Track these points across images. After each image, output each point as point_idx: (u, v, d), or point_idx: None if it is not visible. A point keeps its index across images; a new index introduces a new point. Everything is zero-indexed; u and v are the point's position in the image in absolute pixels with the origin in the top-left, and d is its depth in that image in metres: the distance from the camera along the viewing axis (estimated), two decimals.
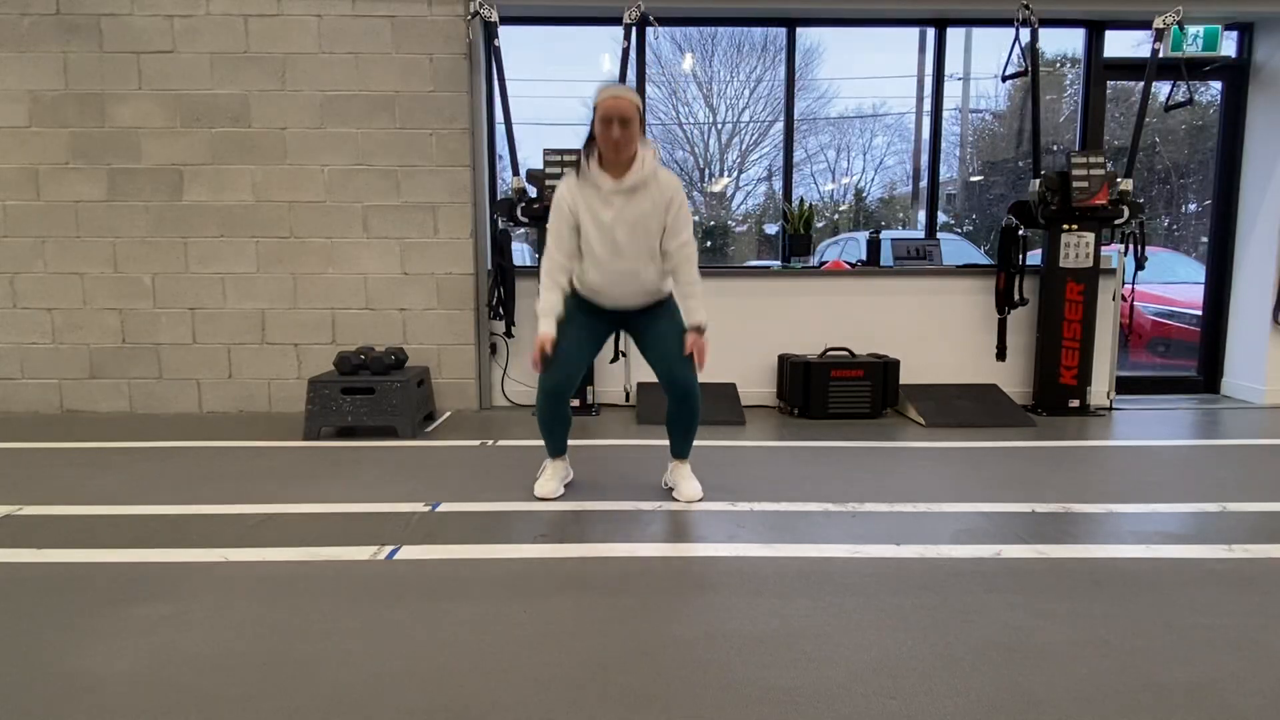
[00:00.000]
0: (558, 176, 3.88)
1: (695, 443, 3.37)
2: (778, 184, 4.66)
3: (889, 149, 6.50)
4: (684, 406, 2.57)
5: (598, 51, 5.05)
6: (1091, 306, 4.05)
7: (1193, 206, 6.40)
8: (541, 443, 3.41)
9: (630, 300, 2.54)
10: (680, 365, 2.51)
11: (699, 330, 2.49)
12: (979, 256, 5.66)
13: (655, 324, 2.56)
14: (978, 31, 4.77)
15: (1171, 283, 5.61)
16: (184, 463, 3.10)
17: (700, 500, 2.58)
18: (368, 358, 3.61)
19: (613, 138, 2.32)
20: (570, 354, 2.51)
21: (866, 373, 3.96)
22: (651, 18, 3.99)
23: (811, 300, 4.32)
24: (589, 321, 2.56)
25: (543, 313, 2.45)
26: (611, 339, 4.16)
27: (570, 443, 3.38)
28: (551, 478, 2.67)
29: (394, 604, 1.80)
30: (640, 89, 4.39)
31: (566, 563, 2.05)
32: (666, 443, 3.33)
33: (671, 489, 2.65)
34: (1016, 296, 4.18)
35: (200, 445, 3.41)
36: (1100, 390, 4.26)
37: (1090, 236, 3.99)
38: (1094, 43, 4.40)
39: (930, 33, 4.48)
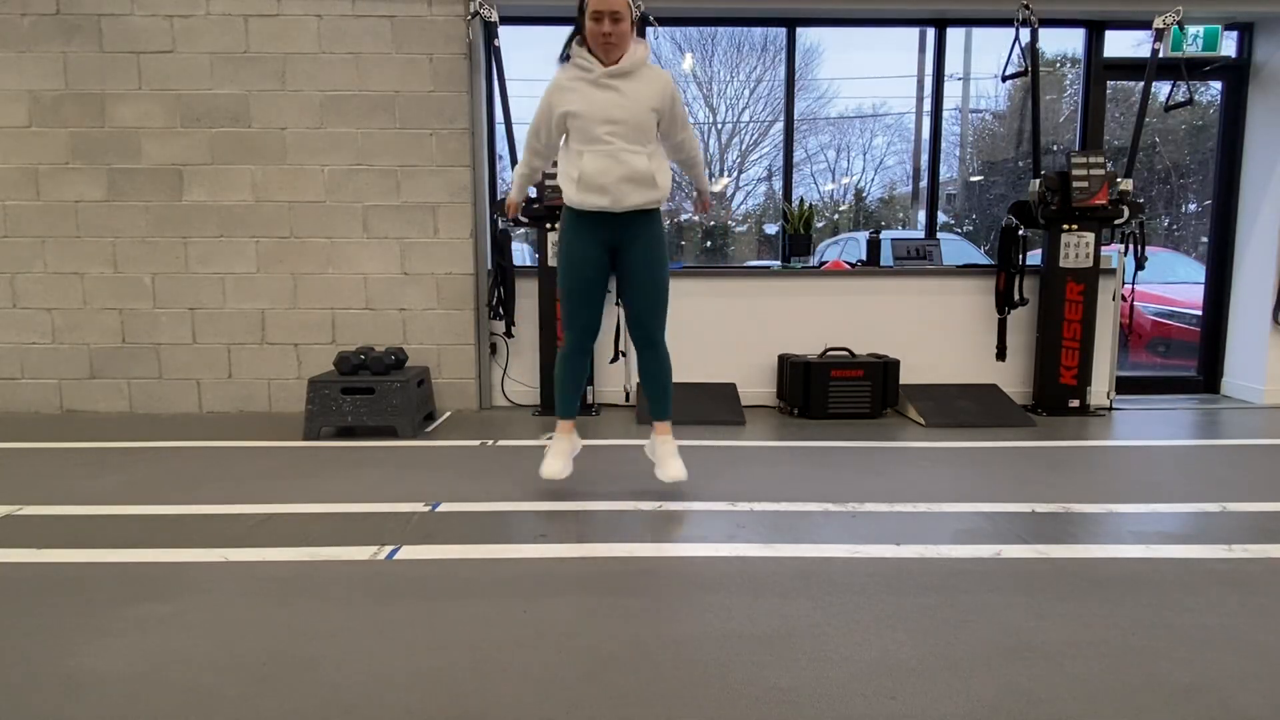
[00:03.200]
0: (558, 177, 3.87)
1: (696, 442, 3.37)
2: (778, 184, 4.66)
3: (889, 149, 6.50)
4: (654, 361, 2.59)
5: None
6: (1091, 306, 4.05)
7: (1193, 206, 6.40)
8: (541, 443, 3.41)
9: (626, 193, 2.41)
10: (651, 318, 2.55)
11: (707, 192, 2.78)
12: (979, 256, 5.66)
13: (643, 254, 2.51)
14: (978, 31, 4.77)
15: (1171, 283, 5.61)
16: (184, 463, 3.10)
17: (683, 480, 2.56)
18: (368, 358, 3.61)
19: (603, 32, 2.28)
20: (584, 298, 2.53)
21: (866, 373, 3.96)
22: (651, 18, 3.99)
23: (811, 300, 4.32)
24: (587, 254, 2.50)
25: (519, 178, 2.69)
26: (613, 341, 4.16)
27: None
28: (559, 454, 2.61)
29: (394, 604, 1.80)
30: None
31: (566, 563, 2.04)
32: None
33: (654, 463, 2.63)
34: (1016, 296, 4.18)
35: (200, 445, 3.41)
36: (1100, 390, 4.26)
37: (1090, 236, 3.99)
38: (1094, 43, 4.40)
39: (930, 33, 4.48)
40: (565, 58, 2.45)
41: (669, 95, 2.44)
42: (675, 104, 2.47)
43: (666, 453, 2.61)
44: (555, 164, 2.61)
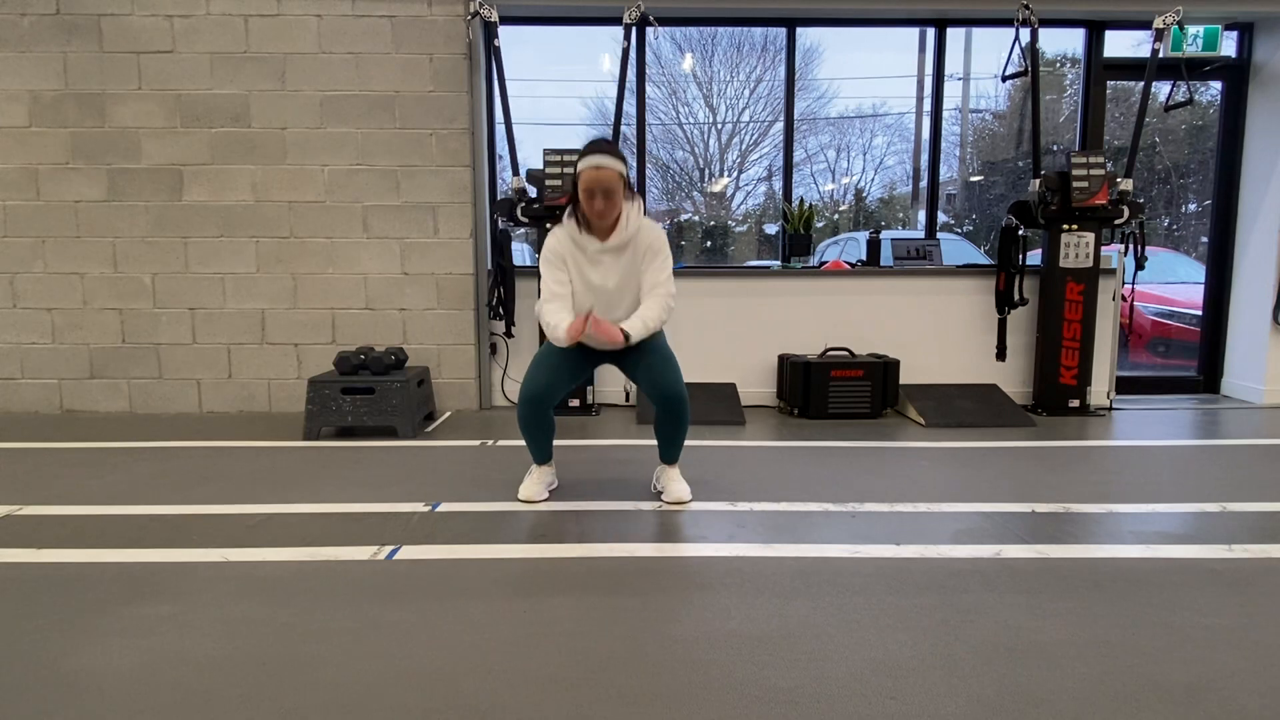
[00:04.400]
0: (558, 176, 3.88)
1: (696, 443, 3.37)
2: (778, 184, 4.66)
3: (889, 149, 6.50)
4: (672, 414, 2.51)
5: (598, 51, 5.05)
6: (1091, 306, 4.05)
7: (1193, 206, 6.40)
8: None
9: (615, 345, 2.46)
10: (668, 376, 2.47)
11: (624, 333, 2.33)
12: (979, 256, 5.66)
13: (641, 352, 2.53)
14: (978, 31, 4.77)
15: (1171, 283, 5.61)
16: (184, 463, 3.10)
17: (689, 501, 2.56)
18: (368, 358, 3.61)
19: (596, 209, 2.31)
20: (556, 367, 2.49)
21: (866, 373, 3.96)
22: (651, 18, 3.99)
23: (811, 300, 4.32)
24: (576, 351, 2.54)
25: (558, 325, 2.35)
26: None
27: (570, 443, 3.40)
28: (536, 481, 2.62)
29: (394, 604, 1.80)
30: (640, 89, 4.39)
31: (566, 563, 2.04)
32: None
33: (660, 492, 2.63)
34: (1016, 296, 4.18)
35: (200, 445, 3.41)
36: (1100, 390, 4.26)
37: (1090, 236, 3.99)
38: (1094, 43, 4.40)
39: (930, 33, 4.48)
40: (566, 210, 2.47)
41: (655, 251, 2.42)
42: (659, 255, 2.42)
43: (671, 477, 2.62)
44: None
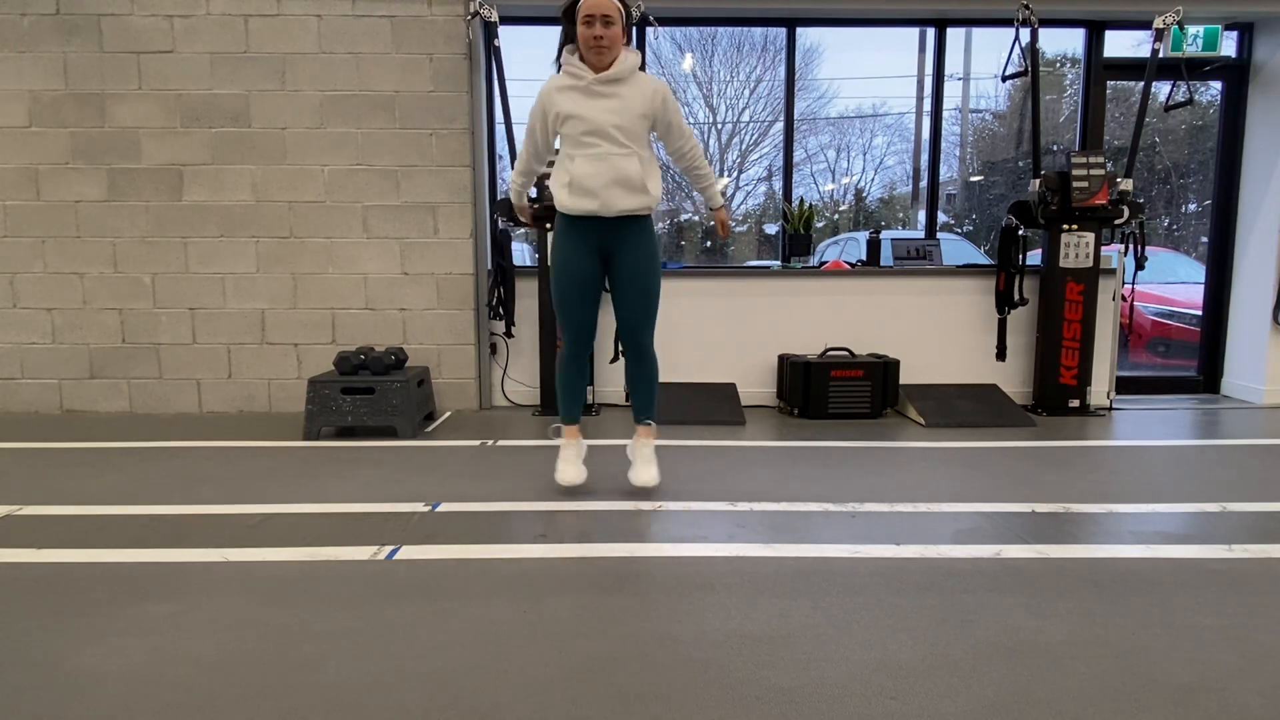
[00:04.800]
0: (551, 182, 3.87)
1: (696, 442, 3.37)
2: (778, 184, 4.66)
3: (889, 149, 6.50)
4: (641, 364, 2.62)
5: None
6: (1091, 306, 4.05)
7: (1193, 206, 6.41)
8: (541, 443, 3.41)
9: (617, 197, 2.41)
10: (641, 323, 2.57)
11: (721, 209, 2.71)
12: (979, 256, 5.66)
13: (633, 260, 2.52)
14: (978, 31, 4.77)
15: (1171, 283, 5.61)
16: (184, 463, 3.10)
17: (654, 486, 2.61)
18: (368, 358, 3.61)
19: (594, 35, 2.29)
20: (577, 303, 2.55)
21: (866, 373, 3.96)
22: (651, 18, 3.99)
23: (811, 300, 4.32)
24: (580, 260, 2.52)
25: (517, 184, 2.76)
26: (613, 341, 4.16)
27: None
28: (573, 459, 2.65)
29: (394, 604, 1.80)
30: None
31: (566, 563, 2.04)
32: (666, 444, 3.34)
33: (630, 464, 2.66)
34: (1016, 296, 4.18)
35: (200, 445, 3.41)
36: (1100, 390, 4.26)
37: (1090, 236, 3.99)
38: (1094, 43, 4.40)
39: (930, 33, 4.48)
40: (559, 63, 2.47)
41: (660, 100, 2.43)
42: (668, 110, 2.46)
43: (643, 457, 2.64)
44: (551, 161, 2.62)
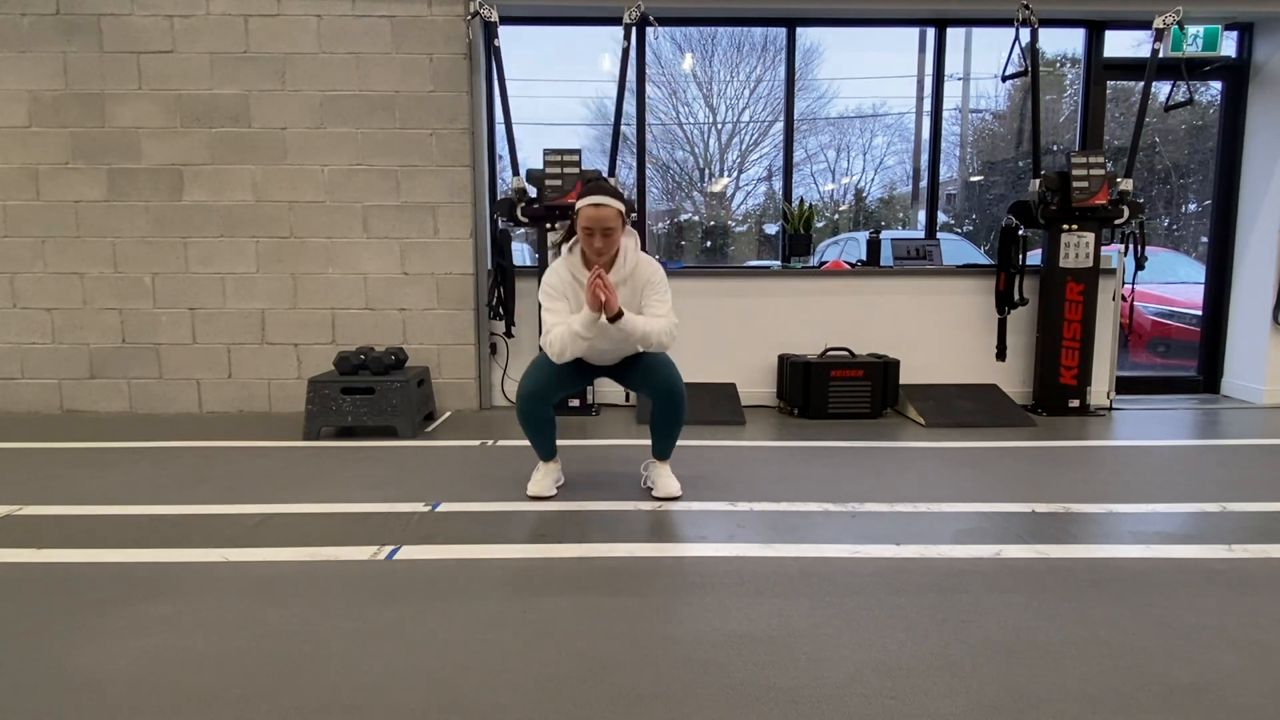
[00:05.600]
0: (558, 177, 3.88)
1: (696, 442, 3.37)
2: (778, 184, 4.66)
3: (889, 149, 6.50)
4: (670, 409, 2.56)
5: (598, 51, 5.05)
6: (1091, 306, 4.05)
7: (1193, 206, 6.41)
8: None
9: (614, 361, 2.61)
10: (666, 372, 2.52)
11: (618, 311, 2.34)
12: (979, 256, 5.66)
13: (640, 363, 2.58)
14: (978, 31, 4.77)
15: (1171, 283, 5.61)
16: (184, 463, 3.10)
17: (679, 496, 2.59)
18: (368, 358, 3.61)
19: (595, 247, 2.38)
20: (554, 370, 2.54)
21: (866, 373, 3.96)
22: (651, 18, 3.99)
23: (811, 300, 4.32)
24: (574, 361, 2.57)
25: (561, 327, 2.40)
26: None
27: (570, 443, 3.40)
28: (545, 477, 2.66)
29: (394, 604, 1.80)
30: (640, 89, 4.39)
31: (566, 563, 2.05)
32: None
33: (650, 487, 2.66)
34: (1016, 296, 4.18)
35: (200, 445, 3.41)
36: (1100, 390, 4.26)
37: (1090, 236, 3.99)
38: (1094, 43, 4.40)
39: (930, 33, 4.48)
40: (561, 242, 2.55)
41: (653, 285, 2.47)
42: (655, 286, 2.47)
43: (661, 474, 2.65)
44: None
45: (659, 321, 2.42)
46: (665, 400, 2.53)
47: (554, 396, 2.56)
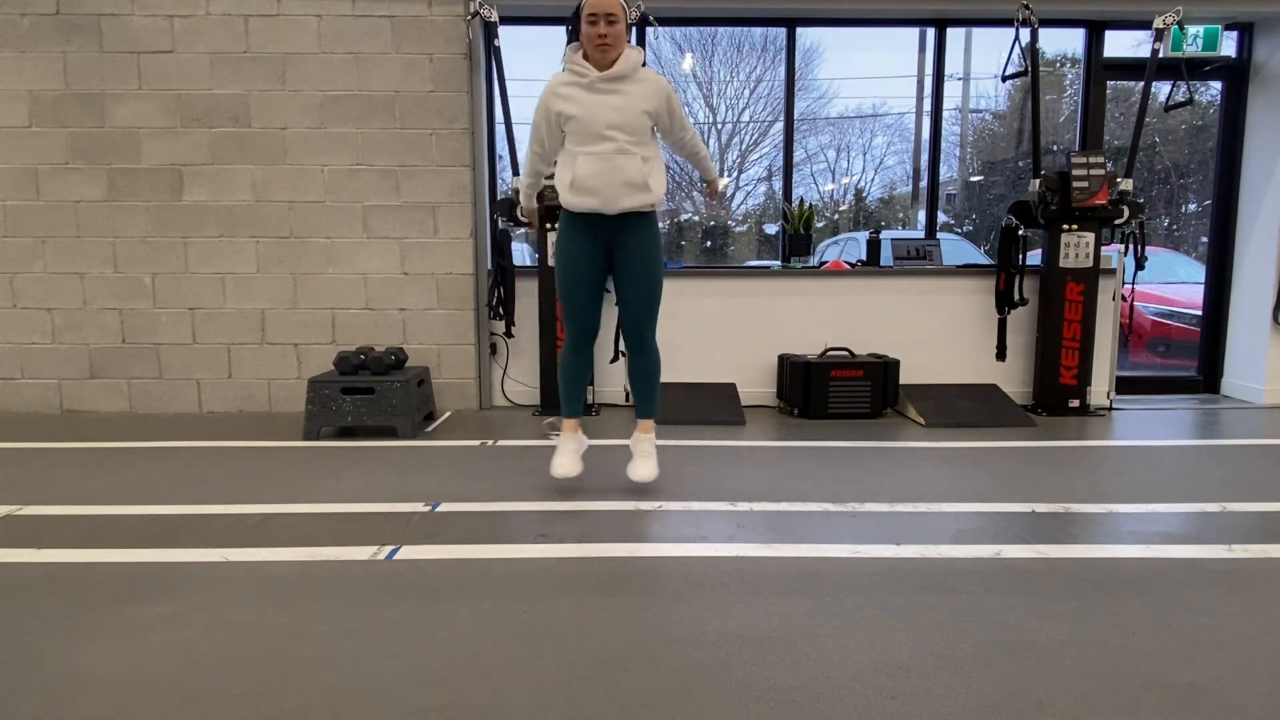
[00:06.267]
0: (555, 180, 3.87)
1: (696, 442, 3.37)
2: (778, 184, 4.66)
3: (889, 149, 6.50)
4: (643, 359, 2.64)
5: None
6: (1091, 306, 4.05)
7: (1193, 206, 6.41)
8: (541, 443, 3.41)
9: (619, 195, 2.43)
10: (644, 318, 2.59)
11: (717, 180, 2.84)
12: (979, 256, 5.66)
13: (636, 256, 2.54)
14: (978, 31, 4.77)
15: (1171, 283, 5.61)
16: (184, 463, 3.10)
17: (652, 480, 2.62)
18: (368, 358, 3.61)
19: (598, 33, 2.34)
20: (581, 298, 2.57)
21: (866, 373, 3.96)
22: (651, 18, 3.99)
23: (811, 300, 4.32)
24: (584, 255, 2.54)
25: (526, 185, 2.73)
26: (613, 341, 4.17)
27: None
28: (570, 452, 2.65)
29: (394, 604, 1.80)
30: None
31: (566, 563, 2.04)
32: (666, 444, 3.34)
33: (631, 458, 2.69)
34: (1016, 296, 4.18)
35: (200, 445, 3.41)
36: (1100, 390, 4.26)
37: (1090, 236, 3.99)
38: (1094, 43, 4.40)
39: (930, 33, 4.48)
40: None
41: (663, 97, 2.46)
42: (671, 105, 2.49)
43: (642, 452, 2.66)
44: (550, 167, 2.63)
45: (699, 143, 2.68)
46: (632, 343, 2.63)
47: (597, 321, 2.64)
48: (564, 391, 2.69)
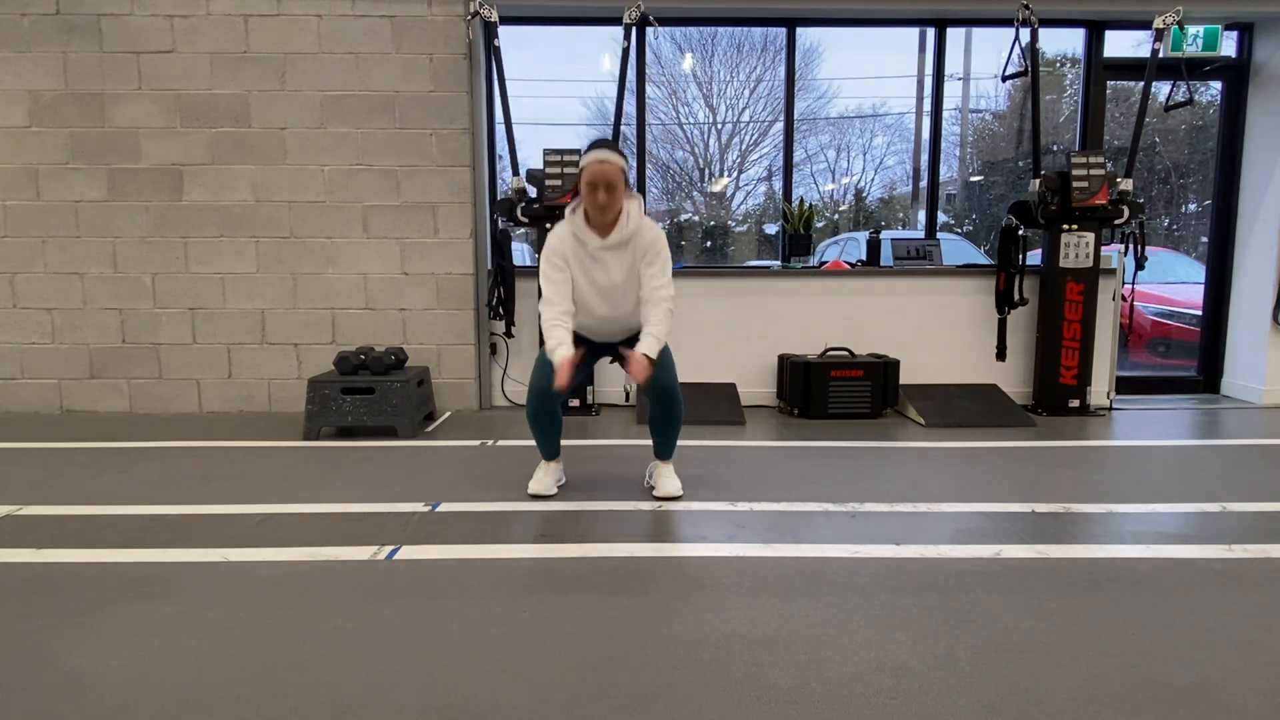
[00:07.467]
0: (558, 176, 3.88)
1: (696, 442, 3.37)
2: (778, 184, 4.66)
3: (889, 149, 6.50)
4: (665, 407, 2.58)
5: (598, 51, 5.05)
6: (1091, 306, 4.05)
7: (1193, 206, 6.41)
8: None
9: (616, 337, 2.67)
10: (661, 371, 2.52)
11: (647, 358, 2.36)
12: (979, 256, 5.66)
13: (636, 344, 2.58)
14: (978, 31, 4.77)
15: (1171, 283, 5.61)
16: (184, 463, 3.10)
17: (679, 496, 2.59)
18: (368, 358, 3.61)
19: (598, 202, 2.40)
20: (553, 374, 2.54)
21: (866, 373, 3.96)
22: (651, 18, 3.99)
23: (811, 300, 4.32)
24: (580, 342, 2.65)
25: (556, 349, 2.38)
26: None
27: (570, 443, 3.40)
28: (545, 475, 2.67)
29: (394, 604, 1.80)
30: (640, 89, 4.39)
31: (566, 563, 2.05)
32: None
33: (652, 487, 2.66)
34: (1016, 296, 4.18)
35: (200, 445, 3.41)
36: (1100, 390, 4.26)
37: (1090, 236, 3.99)
38: (1094, 43, 4.40)
39: (930, 33, 4.48)
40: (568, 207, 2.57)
41: (656, 250, 2.49)
42: (659, 252, 2.49)
43: (663, 474, 2.67)
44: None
45: (661, 318, 2.45)
46: (658, 397, 2.56)
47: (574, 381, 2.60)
48: (537, 436, 2.65)
